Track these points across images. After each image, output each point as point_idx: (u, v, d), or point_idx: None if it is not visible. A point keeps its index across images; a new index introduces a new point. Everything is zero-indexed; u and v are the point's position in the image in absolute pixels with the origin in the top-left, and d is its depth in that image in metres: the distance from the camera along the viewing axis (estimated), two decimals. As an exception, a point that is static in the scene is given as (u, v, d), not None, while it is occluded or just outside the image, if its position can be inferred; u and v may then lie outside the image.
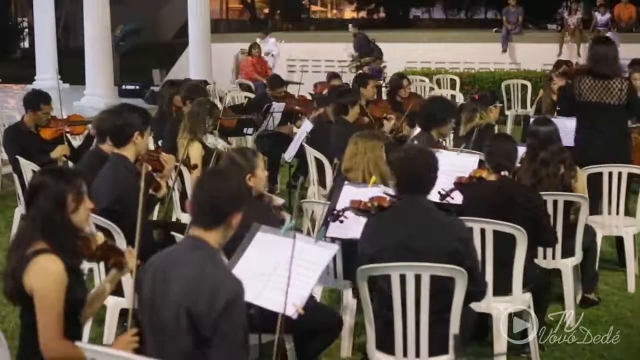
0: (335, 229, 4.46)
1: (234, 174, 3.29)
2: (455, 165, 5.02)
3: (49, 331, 3.08)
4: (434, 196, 4.50)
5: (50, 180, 3.20)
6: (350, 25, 16.68)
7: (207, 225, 3.02)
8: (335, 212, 4.37)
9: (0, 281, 3.22)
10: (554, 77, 8.14)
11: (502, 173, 4.65)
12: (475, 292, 3.82)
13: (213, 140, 6.43)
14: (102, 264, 4.42)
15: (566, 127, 6.28)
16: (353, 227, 4.35)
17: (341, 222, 4.35)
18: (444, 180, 4.80)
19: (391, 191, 4.20)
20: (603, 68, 6.14)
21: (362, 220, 4.21)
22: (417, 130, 6.44)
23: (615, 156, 5.93)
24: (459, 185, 4.79)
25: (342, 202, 4.53)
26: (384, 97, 11.05)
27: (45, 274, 3.08)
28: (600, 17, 16.80)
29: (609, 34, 15.30)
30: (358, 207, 4.22)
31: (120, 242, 4.37)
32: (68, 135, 6.92)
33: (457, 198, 4.81)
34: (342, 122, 6.93)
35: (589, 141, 6.20)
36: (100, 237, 3.42)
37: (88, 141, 6.75)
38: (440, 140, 6.15)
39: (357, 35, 15.73)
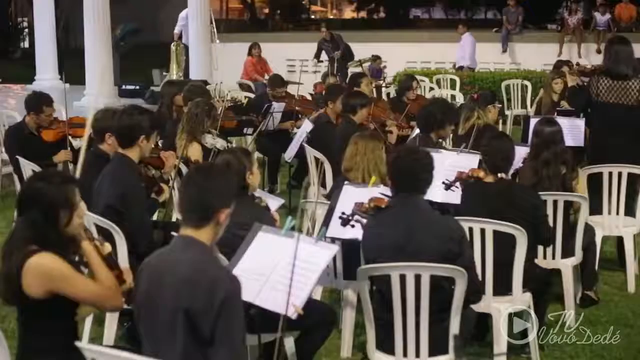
0: (335, 229, 4.46)
1: (218, 171, 3.28)
2: (456, 165, 5.03)
3: (96, 296, 3.18)
4: (438, 188, 4.51)
5: (42, 191, 3.16)
6: (325, 31, 15.85)
7: (196, 224, 3.02)
8: (345, 216, 4.36)
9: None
10: (566, 73, 8.06)
11: (499, 175, 4.65)
12: (471, 292, 3.80)
13: (211, 140, 6.43)
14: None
15: (568, 127, 6.28)
16: (353, 228, 4.35)
17: (352, 226, 4.34)
18: (446, 177, 4.82)
19: (389, 192, 4.20)
20: (624, 69, 6.10)
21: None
22: (417, 131, 6.45)
23: (633, 157, 5.90)
24: (460, 179, 4.80)
25: (343, 202, 4.53)
26: (384, 97, 11.08)
27: (46, 270, 3.07)
28: (600, 17, 16.81)
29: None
30: (360, 209, 4.23)
31: (121, 242, 4.38)
32: (70, 137, 6.89)
33: (457, 197, 4.82)
34: (348, 122, 6.90)
35: (607, 142, 6.15)
36: (107, 247, 3.41)
37: (89, 142, 6.73)
38: (440, 140, 6.15)
39: (334, 37, 15.52)
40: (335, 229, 4.46)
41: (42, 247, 3.13)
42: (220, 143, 6.46)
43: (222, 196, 3.06)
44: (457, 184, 4.80)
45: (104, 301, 3.23)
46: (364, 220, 4.22)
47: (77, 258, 3.34)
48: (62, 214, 3.18)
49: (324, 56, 15.80)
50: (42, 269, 3.08)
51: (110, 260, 3.40)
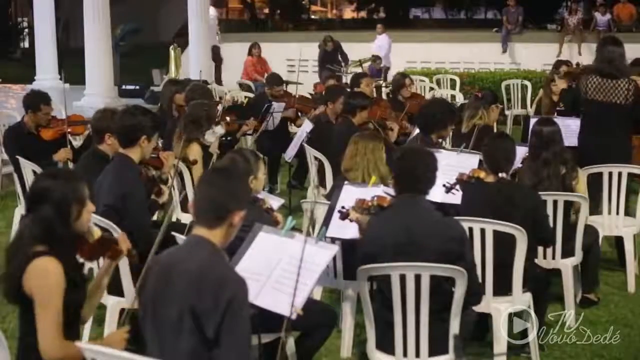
0: (335, 229, 4.45)
1: (235, 172, 3.30)
2: (456, 165, 5.03)
3: (49, 333, 3.08)
4: (439, 190, 4.51)
5: (54, 187, 3.17)
6: (330, 43, 15.22)
7: (209, 224, 3.02)
8: (344, 210, 4.36)
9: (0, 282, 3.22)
10: (555, 78, 8.12)
11: (500, 175, 4.65)
12: (471, 293, 3.79)
13: (211, 137, 6.42)
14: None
15: (568, 127, 6.29)
16: (353, 227, 4.34)
17: (351, 220, 4.33)
18: (447, 180, 4.83)
19: (392, 191, 4.20)
20: (614, 68, 6.14)
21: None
22: (417, 131, 6.44)
23: (619, 156, 5.92)
24: (460, 181, 4.81)
25: (343, 201, 4.52)
26: (384, 96, 11.06)
27: (44, 276, 3.07)
28: (600, 17, 16.82)
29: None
30: (362, 206, 4.23)
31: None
32: (69, 135, 6.89)
33: (457, 198, 4.82)
34: (347, 123, 6.90)
35: (594, 141, 6.19)
36: (97, 232, 3.42)
37: (88, 142, 6.74)
38: (440, 140, 6.15)
39: (335, 46, 15.35)
40: (335, 229, 4.45)
41: (50, 245, 3.13)
42: (219, 131, 6.47)
43: (238, 198, 3.06)
44: (457, 186, 4.80)
45: (44, 343, 3.09)
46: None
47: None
48: (74, 208, 3.19)
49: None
50: (42, 273, 3.07)
51: (101, 242, 3.39)
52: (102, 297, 3.61)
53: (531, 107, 11.52)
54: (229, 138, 7.44)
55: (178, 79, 12.13)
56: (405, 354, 3.75)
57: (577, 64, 10.87)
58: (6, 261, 3.19)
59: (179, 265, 2.98)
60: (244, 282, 2.92)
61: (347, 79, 12.35)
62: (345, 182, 4.78)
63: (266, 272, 3.41)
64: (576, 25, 16.49)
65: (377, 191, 4.38)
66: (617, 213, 5.83)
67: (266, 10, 37.68)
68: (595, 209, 5.76)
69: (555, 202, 5.07)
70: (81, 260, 3.38)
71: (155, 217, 5.70)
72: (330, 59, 14.83)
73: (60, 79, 12.88)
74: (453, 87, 13.33)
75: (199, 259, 2.96)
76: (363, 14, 39.96)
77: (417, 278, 3.65)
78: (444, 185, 4.70)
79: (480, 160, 5.04)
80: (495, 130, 7.09)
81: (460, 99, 11.38)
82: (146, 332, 3.06)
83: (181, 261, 2.99)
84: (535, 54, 15.78)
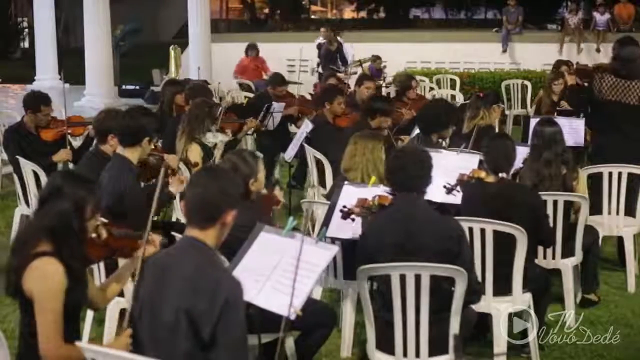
0: (335, 229, 4.45)
1: (226, 172, 3.29)
2: (457, 166, 5.03)
3: (48, 335, 3.07)
4: (439, 191, 4.50)
5: (73, 185, 3.19)
6: (336, 44, 14.87)
7: (201, 225, 3.01)
8: (346, 209, 4.35)
9: (1, 279, 3.21)
10: (565, 74, 8.07)
11: (500, 175, 4.65)
12: (469, 292, 3.78)
13: (212, 139, 6.43)
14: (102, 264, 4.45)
15: (567, 127, 6.29)
16: (353, 227, 4.34)
17: (352, 220, 4.32)
18: (447, 180, 4.83)
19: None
20: (630, 70, 6.11)
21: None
22: (417, 131, 6.43)
23: (633, 155, 5.89)
24: (461, 182, 4.81)
25: (343, 200, 4.52)
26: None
27: (44, 278, 3.07)
28: (600, 17, 16.80)
29: None
30: (363, 205, 4.22)
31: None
32: (69, 136, 6.89)
33: (458, 198, 4.82)
34: (362, 124, 6.82)
35: (607, 140, 6.16)
36: (102, 232, 3.43)
37: (88, 142, 6.74)
38: (440, 140, 6.14)
39: (339, 47, 15.27)
40: (335, 229, 4.45)
41: (56, 241, 3.12)
42: (220, 137, 6.47)
43: (229, 197, 3.04)
44: (458, 187, 4.80)
45: (44, 346, 3.09)
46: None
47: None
48: (88, 209, 3.21)
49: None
50: (41, 275, 3.07)
51: (112, 240, 3.43)
52: (120, 289, 3.63)
53: (531, 107, 11.53)
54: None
55: (177, 79, 12.14)
56: (405, 354, 3.75)
57: (577, 63, 10.88)
58: (11, 253, 3.19)
59: (174, 267, 2.97)
60: (239, 283, 2.92)
61: (348, 80, 12.36)
62: (345, 182, 4.78)
63: (266, 272, 3.41)
64: (576, 25, 16.48)
65: (377, 191, 4.38)
66: (617, 213, 5.83)
67: (266, 10, 37.67)
68: (595, 209, 5.75)
69: (555, 202, 5.07)
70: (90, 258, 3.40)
71: (155, 218, 5.70)
72: (333, 58, 14.83)
73: (60, 79, 12.89)
74: (453, 87, 13.33)
75: (193, 260, 2.96)
76: (363, 14, 39.93)
77: (417, 278, 3.65)
78: (444, 187, 4.70)
79: (480, 161, 5.05)
80: (497, 130, 7.07)
81: (460, 99, 11.38)
82: (142, 333, 3.06)
83: (176, 263, 2.98)
84: (535, 54, 15.76)
